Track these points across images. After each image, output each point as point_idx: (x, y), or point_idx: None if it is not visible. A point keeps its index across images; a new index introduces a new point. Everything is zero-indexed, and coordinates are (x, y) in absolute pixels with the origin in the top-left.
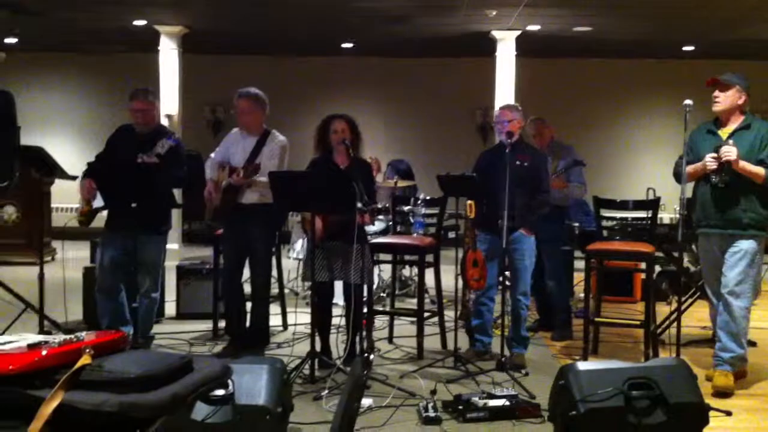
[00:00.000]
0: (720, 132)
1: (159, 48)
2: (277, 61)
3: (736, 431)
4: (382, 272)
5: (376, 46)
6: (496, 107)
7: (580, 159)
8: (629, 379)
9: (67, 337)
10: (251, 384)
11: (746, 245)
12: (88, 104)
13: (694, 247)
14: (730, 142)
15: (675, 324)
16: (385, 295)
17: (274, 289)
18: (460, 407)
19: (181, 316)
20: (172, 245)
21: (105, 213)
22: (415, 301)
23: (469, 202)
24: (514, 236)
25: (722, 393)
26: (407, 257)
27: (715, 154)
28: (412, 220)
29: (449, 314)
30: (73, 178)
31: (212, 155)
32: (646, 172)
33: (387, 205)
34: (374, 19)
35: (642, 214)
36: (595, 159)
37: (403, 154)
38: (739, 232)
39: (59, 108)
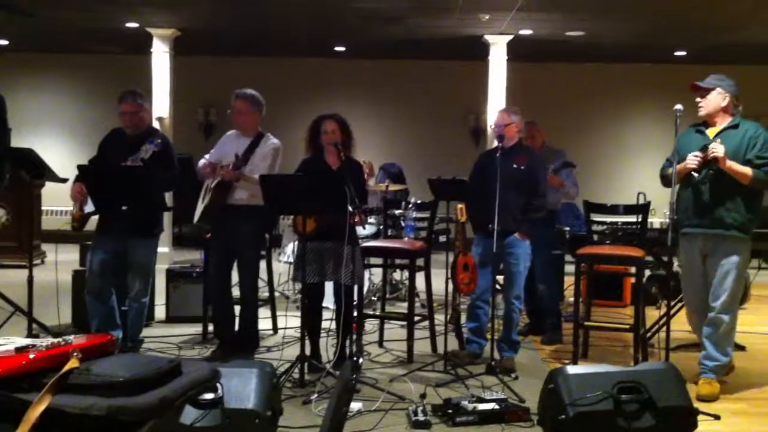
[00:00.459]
0: (708, 132)
1: (151, 50)
2: (270, 63)
3: None
4: (373, 276)
5: (369, 48)
6: (489, 111)
7: (570, 161)
8: (618, 383)
9: (56, 340)
10: (240, 388)
11: (731, 261)
12: (79, 106)
13: None
14: (718, 140)
15: (664, 328)
16: (375, 298)
17: (264, 293)
18: (450, 411)
19: (170, 319)
20: (163, 248)
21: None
22: (405, 304)
23: (459, 206)
24: (508, 240)
25: (707, 401)
26: (398, 261)
27: (698, 153)
28: (403, 224)
29: (440, 318)
30: (64, 180)
31: (206, 156)
32: (637, 176)
33: (379, 205)
34: (368, 19)
35: (632, 218)
36: (587, 163)
37: (394, 158)
38: (721, 232)
39: (50, 110)
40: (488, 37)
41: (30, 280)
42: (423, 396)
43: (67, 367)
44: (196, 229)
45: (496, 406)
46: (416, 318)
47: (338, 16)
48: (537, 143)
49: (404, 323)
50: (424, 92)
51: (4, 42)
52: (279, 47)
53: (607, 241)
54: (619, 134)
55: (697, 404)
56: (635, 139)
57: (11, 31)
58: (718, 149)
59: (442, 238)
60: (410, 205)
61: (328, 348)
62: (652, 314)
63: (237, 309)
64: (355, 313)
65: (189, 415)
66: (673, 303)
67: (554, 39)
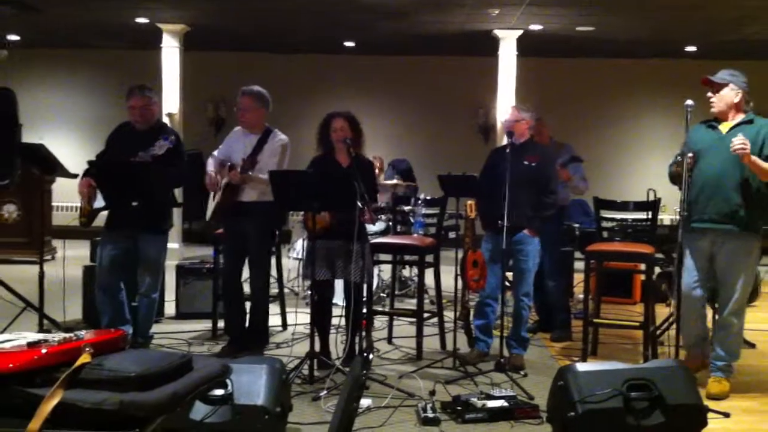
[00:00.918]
0: (720, 126)
1: (161, 45)
2: (279, 59)
3: None
4: (382, 272)
5: (378, 44)
6: (498, 107)
7: (578, 155)
8: (628, 381)
9: (67, 335)
10: (250, 384)
11: (742, 260)
12: (90, 101)
13: None
14: (740, 135)
15: (674, 325)
16: (384, 295)
17: (274, 289)
18: (459, 408)
19: (180, 315)
20: (173, 244)
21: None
22: (414, 301)
23: (469, 202)
24: (518, 237)
25: (716, 399)
26: (407, 257)
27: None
28: (412, 220)
29: (449, 315)
30: (74, 176)
31: (215, 153)
32: (648, 172)
33: (388, 202)
34: (377, 15)
35: (642, 215)
36: (597, 159)
37: (404, 153)
38: (730, 228)
39: (60, 105)
40: (498, 33)
41: (41, 276)
42: (432, 393)
43: (79, 362)
44: (206, 226)
45: (505, 403)
46: (425, 315)
47: (347, 12)
48: (544, 139)
49: (413, 320)
50: (433, 88)
51: (15, 38)
52: (288, 43)
53: (617, 238)
54: (629, 130)
55: (706, 401)
56: (646, 135)
57: (22, 27)
58: (745, 144)
59: (452, 235)
60: (419, 201)
61: (337, 344)
62: (661, 311)
63: (247, 305)
64: (365, 310)
65: (199, 410)
66: None
67: (564, 34)
